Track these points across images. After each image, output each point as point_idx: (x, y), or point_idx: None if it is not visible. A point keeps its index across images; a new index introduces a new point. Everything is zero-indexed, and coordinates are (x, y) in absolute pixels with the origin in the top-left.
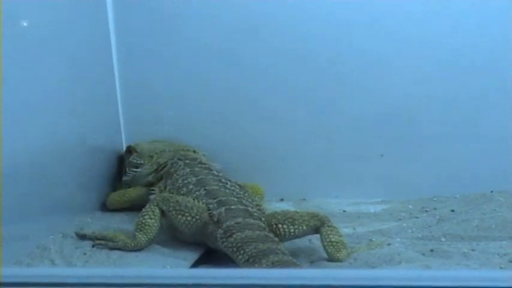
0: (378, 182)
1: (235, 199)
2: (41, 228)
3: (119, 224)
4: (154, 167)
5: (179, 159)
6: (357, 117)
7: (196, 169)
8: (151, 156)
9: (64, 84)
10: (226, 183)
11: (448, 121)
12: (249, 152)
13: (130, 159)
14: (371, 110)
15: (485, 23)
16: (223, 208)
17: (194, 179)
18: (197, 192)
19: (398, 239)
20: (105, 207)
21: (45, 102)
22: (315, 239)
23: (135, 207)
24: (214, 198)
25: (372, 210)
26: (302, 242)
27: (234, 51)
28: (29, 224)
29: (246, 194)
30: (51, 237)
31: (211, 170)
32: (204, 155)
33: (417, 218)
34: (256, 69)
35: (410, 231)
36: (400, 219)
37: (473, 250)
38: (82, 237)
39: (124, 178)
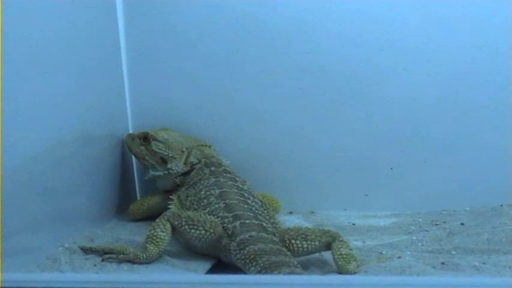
0: (387, 195)
1: (251, 214)
2: (51, 239)
3: (129, 235)
4: (188, 167)
5: (205, 165)
6: (366, 130)
7: (221, 180)
8: (183, 152)
9: (70, 90)
10: (249, 198)
11: (457, 134)
12: (258, 164)
13: (155, 148)
14: (380, 123)
15: (494, 36)
16: (238, 222)
17: (217, 191)
18: (216, 205)
19: (409, 252)
20: (115, 218)
21: (52, 111)
22: (326, 252)
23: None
24: (231, 212)
25: (382, 224)
26: (313, 255)
27: (246, 63)
28: (38, 234)
29: (265, 211)
30: (61, 248)
31: (236, 182)
32: (215, 150)
33: (427, 231)
34: (266, 82)
35: (420, 244)
36: (410, 233)
37: (484, 263)
38: (88, 251)
39: (154, 173)
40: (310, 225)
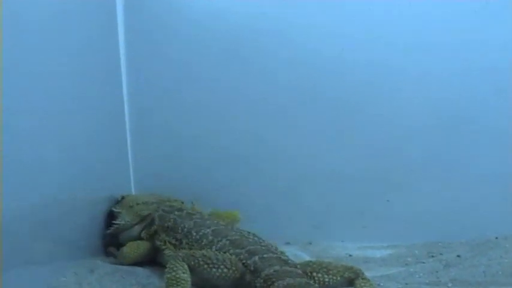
0: (383, 226)
1: (263, 247)
2: (51, 270)
3: (128, 266)
4: (136, 219)
5: (164, 211)
6: (363, 162)
7: (198, 221)
8: (131, 207)
9: (75, 113)
10: (242, 232)
11: (453, 166)
12: (256, 195)
13: (112, 208)
14: (377, 155)
15: (489, 60)
16: (256, 257)
17: (208, 230)
18: (220, 243)
19: (407, 284)
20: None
21: (59, 143)
22: None
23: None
24: (242, 248)
25: (378, 255)
26: None
27: (244, 92)
28: (39, 266)
29: (266, 242)
30: (63, 278)
31: (213, 220)
32: (194, 204)
33: (424, 263)
34: (263, 110)
35: (417, 276)
36: (406, 264)
37: None
38: None
39: (107, 231)
40: (307, 257)
